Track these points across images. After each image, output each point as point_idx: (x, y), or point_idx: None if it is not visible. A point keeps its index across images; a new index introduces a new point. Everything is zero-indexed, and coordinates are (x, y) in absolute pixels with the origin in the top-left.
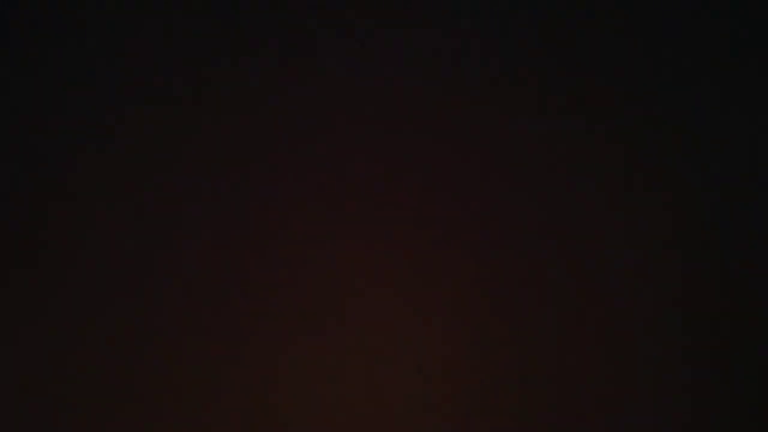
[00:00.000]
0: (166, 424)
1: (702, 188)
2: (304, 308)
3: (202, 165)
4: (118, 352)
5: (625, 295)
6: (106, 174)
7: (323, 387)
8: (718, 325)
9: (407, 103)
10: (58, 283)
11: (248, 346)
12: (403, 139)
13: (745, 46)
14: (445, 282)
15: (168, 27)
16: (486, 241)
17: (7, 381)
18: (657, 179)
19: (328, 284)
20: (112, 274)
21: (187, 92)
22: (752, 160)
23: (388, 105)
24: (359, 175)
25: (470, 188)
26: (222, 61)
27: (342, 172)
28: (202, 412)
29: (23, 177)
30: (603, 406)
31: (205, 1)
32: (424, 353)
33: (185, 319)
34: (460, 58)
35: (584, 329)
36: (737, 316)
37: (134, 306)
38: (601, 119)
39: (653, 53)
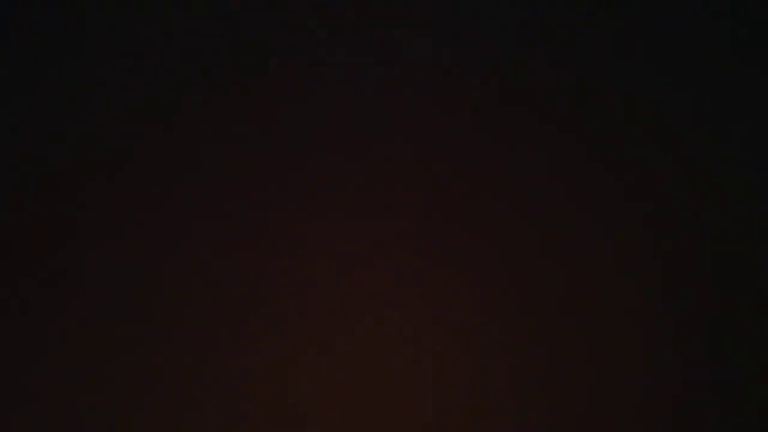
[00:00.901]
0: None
1: (702, 192)
2: (311, 317)
3: (208, 171)
4: (124, 359)
5: (624, 303)
6: (107, 174)
7: (331, 396)
8: (715, 328)
9: (409, 107)
10: (67, 291)
11: (258, 357)
12: (411, 148)
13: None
14: (454, 294)
15: (168, 28)
16: (491, 250)
17: (10, 380)
18: (655, 184)
19: (337, 294)
20: (118, 282)
21: (190, 93)
22: (752, 162)
23: (392, 110)
24: (366, 183)
25: (476, 196)
26: (221, 63)
27: (349, 181)
28: (211, 421)
29: (25, 180)
30: (601, 413)
31: (205, 3)
32: (429, 363)
33: (191, 329)
34: (460, 63)
35: (589, 344)
36: (734, 320)
37: (139, 314)
38: (599, 125)
39: (654, 56)
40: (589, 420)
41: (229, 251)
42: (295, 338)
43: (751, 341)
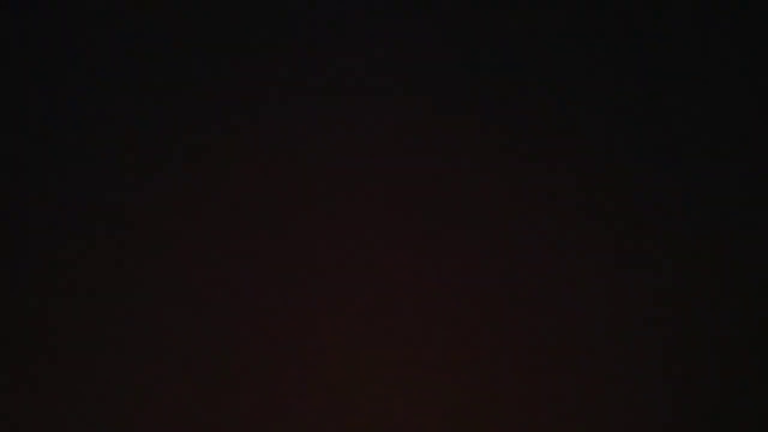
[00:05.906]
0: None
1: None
2: (308, 319)
3: (206, 172)
4: (121, 359)
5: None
6: (103, 173)
7: (327, 397)
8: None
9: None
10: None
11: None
12: (409, 148)
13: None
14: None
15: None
16: (491, 248)
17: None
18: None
19: (334, 295)
20: (110, 280)
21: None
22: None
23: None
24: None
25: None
26: (221, 63)
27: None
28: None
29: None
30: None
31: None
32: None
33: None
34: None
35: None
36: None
37: (136, 313)
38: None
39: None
40: (590, 420)
41: (230, 260)
42: (297, 349)
43: (751, 347)
